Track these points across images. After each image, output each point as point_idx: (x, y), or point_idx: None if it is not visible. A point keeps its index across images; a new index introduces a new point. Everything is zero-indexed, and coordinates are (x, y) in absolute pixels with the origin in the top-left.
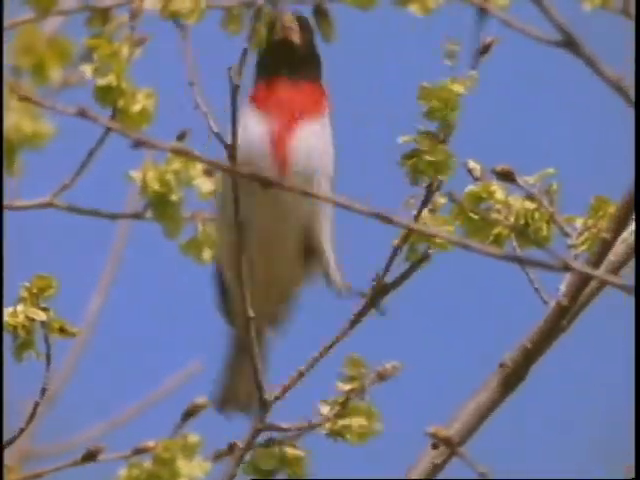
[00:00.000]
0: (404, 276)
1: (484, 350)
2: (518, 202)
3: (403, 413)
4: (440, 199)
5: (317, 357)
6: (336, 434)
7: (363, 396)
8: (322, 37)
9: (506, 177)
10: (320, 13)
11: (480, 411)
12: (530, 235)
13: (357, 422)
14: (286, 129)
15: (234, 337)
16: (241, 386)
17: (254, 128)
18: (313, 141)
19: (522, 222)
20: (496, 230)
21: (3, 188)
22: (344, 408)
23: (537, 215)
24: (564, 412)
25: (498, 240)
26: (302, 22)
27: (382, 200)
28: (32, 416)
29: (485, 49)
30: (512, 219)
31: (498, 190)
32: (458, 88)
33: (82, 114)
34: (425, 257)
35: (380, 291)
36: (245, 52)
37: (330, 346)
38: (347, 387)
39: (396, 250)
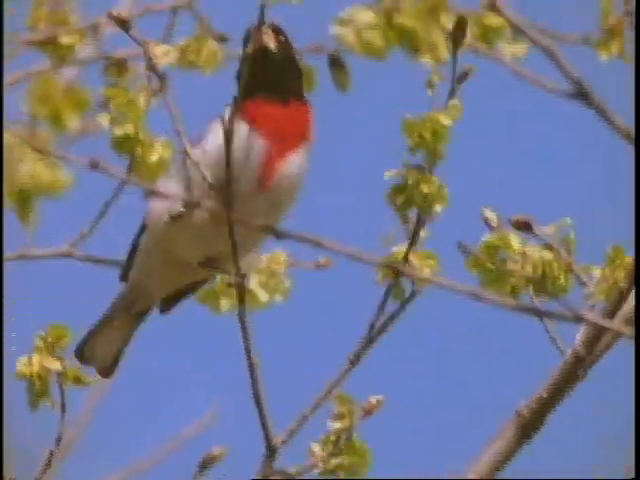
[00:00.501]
0: (393, 317)
1: (500, 398)
2: (535, 252)
3: (421, 460)
4: (423, 233)
5: (320, 399)
6: (330, 473)
7: (351, 433)
8: (338, 87)
9: (523, 227)
10: (336, 64)
11: (496, 460)
12: (547, 285)
13: (349, 460)
14: (278, 153)
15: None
16: (99, 345)
17: (248, 144)
18: (296, 170)
19: (539, 272)
20: (512, 281)
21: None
22: (336, 447)
23: (554, 265)
24: (580, 462)
25: (515, 290)
26: (277, 30)
27: (360, 234)
28: (48, 465)
29: (463, 77)
30: (529, 269)
31: (515, 240)
32: (444, 119)
33: (94, 166)
34: (413, 295)
35: (372, 338)
36: (235, 99)
37: (333, 386)
38: (337, 425)
39: (388, 291)
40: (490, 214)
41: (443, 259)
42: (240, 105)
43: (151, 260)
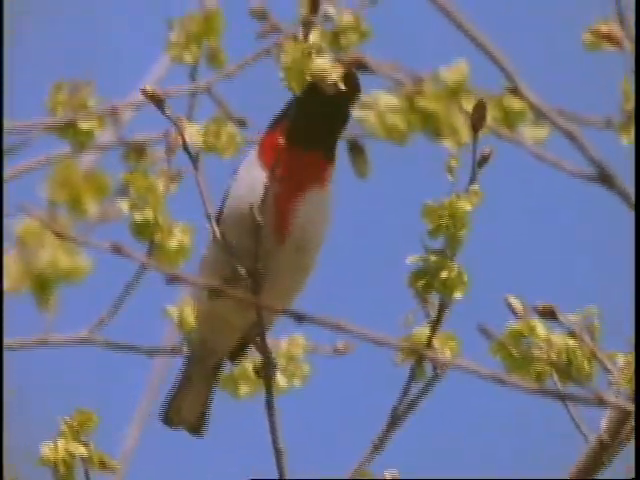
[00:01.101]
0: (416, 400)
1: None
2: (560, 339)
3: None
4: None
5: None
6: None
7: None
8: (357, 173)
9: (548, 314)
10: (355, 149)
11: None
12: (572, 372)
13: None
14: (289, 198)
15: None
16: (185, 404)
17: (260, 188)
18: (311, 213)
19: (564, 359)
20: (537, 367)
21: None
22: None
23: (579, 352)
24: None
25: (539, 377)
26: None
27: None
28: None
29: (484, 160)
30: (554, 356)
31: (539, 327)
32: (464, 205)
33: (117, 250)
34: (435, 378)
35: (395, 420)
36: (267, 189)
37: (359, 470)
38: None
39: (411, 374)
40: (514, 301)
41: (465, 341)
42: (267, 138)
43: (205, 324)
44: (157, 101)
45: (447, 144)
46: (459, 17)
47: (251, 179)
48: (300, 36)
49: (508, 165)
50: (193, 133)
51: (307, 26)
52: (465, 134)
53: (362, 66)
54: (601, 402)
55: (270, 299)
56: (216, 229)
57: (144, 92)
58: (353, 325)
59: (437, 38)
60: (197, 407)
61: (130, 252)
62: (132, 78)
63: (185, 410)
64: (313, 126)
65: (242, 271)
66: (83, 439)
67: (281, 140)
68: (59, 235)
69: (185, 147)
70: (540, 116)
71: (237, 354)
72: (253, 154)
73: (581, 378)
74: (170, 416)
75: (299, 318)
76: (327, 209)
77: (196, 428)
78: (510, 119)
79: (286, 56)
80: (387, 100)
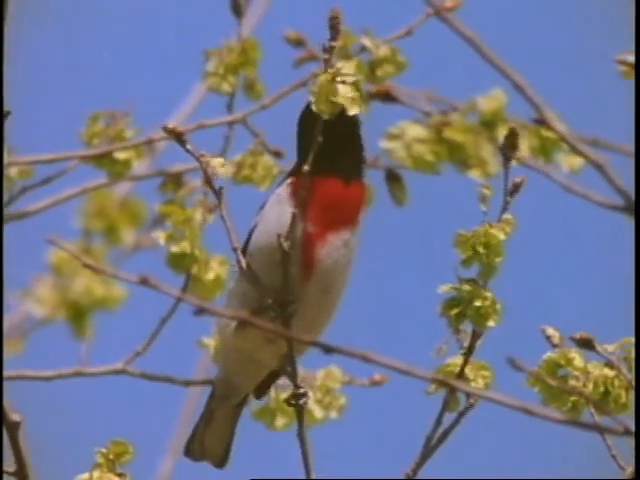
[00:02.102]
0: (449, 430)
1: None
2: (597, 369)
3: None
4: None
5: None
6: None
7: None
8: (395, 202)
9: (585, 345)
10: (393, 178)
11: None
12: (609, 403)
13: None
14: (317, 237)
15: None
16: (208, 440)
17: (289, 224)
18: (339, 250)
19: (601, 390)
20: (573, 399)
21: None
22: None
23: (616, 383)
24: None
25: (576, 408)
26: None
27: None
28: None
29: (516, 189)
30: (591, 386)
31: (577, 357)
32: (497, 233)
33: (144, 282)
34: (468, 408)
35: (429, 451)
36: (294, 216)
37: None
38: None
39: (444, 405)
40: (552, 331)
41: (502, 371)
42: (296, 180)
43: (229, 360)
44: (177, 137)
45: (475, 175)
46: (487, 49)
47: (279, 214)
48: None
49: (542, 194)
50: (217, 166)
51: (329, 52)
52: (493, 165)
53: (390, 97)
54: (627, 432)
55: (297, 333)
56: (243, 261)
57: (165, 129)
58: (382, 356)
59: (463, 70)
60: (220, 442)
61: (158, 284)
62: (169, 108)
63: (208, 444)
64: (342, 154)
65: (270, 302)
66: (119, 470)
67: (318, 174)
68: (88, 267)
69: (208, 182)
70: (567, 146)
71: (262, 390)
72: (283, 191)
73: (618, 409)
74: (193, 450)
75: (328, 350)
76: (354, 253)
77: (220, 461)
78: (546, 148)
79: (316, 81)
80: (414, 131)
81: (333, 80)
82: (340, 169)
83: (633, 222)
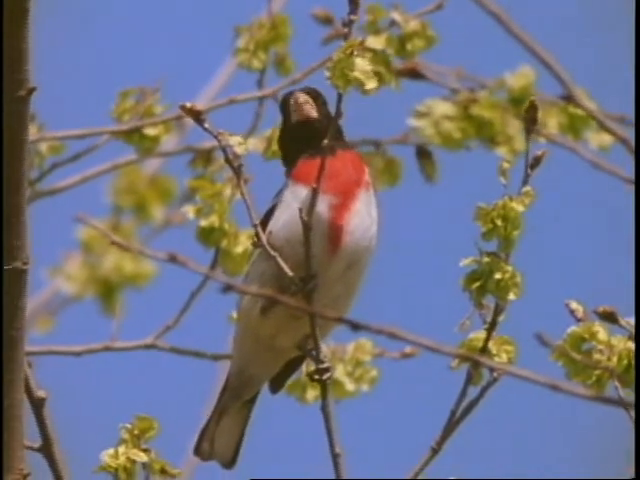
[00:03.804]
0: (472, 404)
1: None
2: (621, 343)
3: None
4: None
5: None
6: None
7: None
8: (426, 178)
9: (608, 318)
10: (424, 155)
11: None
12: (632, 376)
13: None
14: (340, 208)
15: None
16: (218, 438)
17: (311, 207)
18: (364, 220)
19: (625, 362)
20: (597, 373)
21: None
22: None
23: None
24: None
25: (600, 381)
26: (314, 95)
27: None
28: None
29: (537, 162)
30: (615, 360)
31: (601, 331)
32: (517, 206)
33: (172, 259)
34: (492, 382)
35: (453, 425)
36: (315, 192)
37: (417, 475)
38: None
39: (468, 379)
40: (576, 305)
41: (526, 345)
42: (290, 171)
43: (246, 349)
44: (196, 116)
45: (502, 152)
46: (514, 25)
47: (297, 194)
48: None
49: (570, 170)
50: (235, 144)
51: (348, 25)
52: (520, 142)
53: (417, 74)
54: None
55: (322, 310)
56: (264, 237)
57: (182, 108)
58: (407, 332)
59: (492, 45)
60: (230, 442)
61: (186, 261)
62: (199, 84)
63: (218, 444)
64: (316, 144)
65: (291, 277)
66: (144, 446)
67: (305, 160)
68: (116, 244)
69: (227, 160)
70: (594, 122)
71: (279, 384)
72: (289, 184)
73: None
74: (203, 449)
75: (354, 326)
76: (376, 214)
77: (228, 462)
78: (575, 125)
79: (334, 56)
80: (442, 108)
81: (351, 54)
82: (324, 148)
83: None
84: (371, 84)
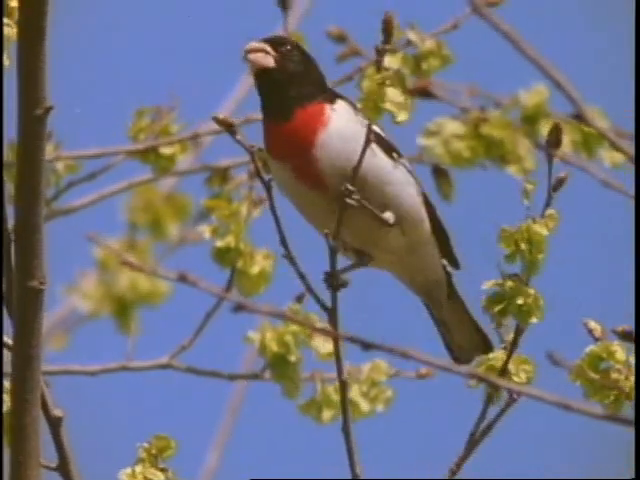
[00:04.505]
0: (491, 425)
1: None
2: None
3: None
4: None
5: None
6: None
7: None
8: (442, 197)
9: (627, 337)
10: (440, 173)
11: None
12: None
13: None
14: (298, 154)
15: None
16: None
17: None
18: (333, 150)
19: None
20: (615, 392)
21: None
22: None
23: None
24: None
25: (617, 401)
26: (277, 42)
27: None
28: None
29: (559, 184)
30: (632, 379)
31: (619, 350)
32: (541, 229)
33: (183, 279)
34: (510, 403)
35: (471, 446)
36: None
37: None
38: None
39: (487, 404)
40: (594, 325)
41: (543, 364)
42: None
43: None
44: (228, 127)
45: (512, 171)
46: (525, 44)
47: (276, 176)
48: (376, 65)
49: (583, 189)
50: (265, 159)
51: (381, 55)
52: (531, 161)
53: (428, 94)
54: None
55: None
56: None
57: (215, 119)
58: (421, 353)
59: (507, 64)
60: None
61: (197, 281)
62: (215, 102)
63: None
64: (277, 99)
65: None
66: (161, 465)
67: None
68: (127, 264)
69: (258, 173)
70: (604, 140)
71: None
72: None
73: None
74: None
75: (366, 346)
76: (343, 131)
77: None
78: (589, 143)
79: (364, 86)
80: (452, 127)
81: (383, 84)
82: (281, 110)
83: None
84: (402, 115)
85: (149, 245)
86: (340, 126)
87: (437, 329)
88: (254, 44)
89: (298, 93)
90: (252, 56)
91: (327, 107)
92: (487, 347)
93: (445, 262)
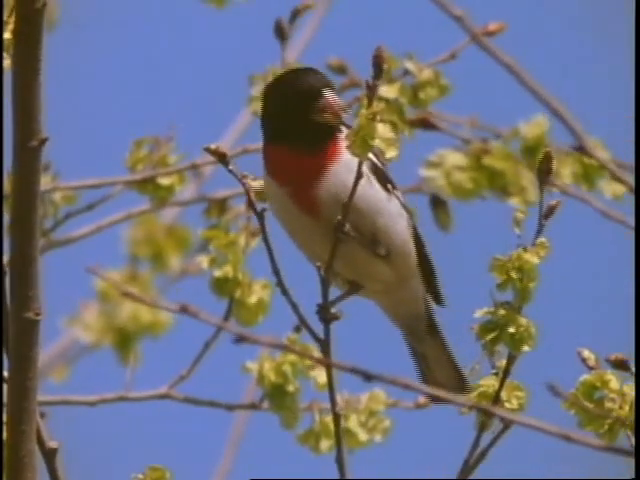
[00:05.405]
0: (485, 452)
1: None
2: (633, 391)
3: None
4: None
5: None
6: None
7: None
8: (439, 227)
9: (620, 366)
10: (438, 203)
11: None
12: None
13: None
14: (303, 185)
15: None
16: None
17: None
18: (338, 180)
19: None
20: (609, 422)
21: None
22: None
23: None
24: None
25: (612, 431)
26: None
27: None
28: None
29: (550, 211)
30: (627, 408)
31: (613, 379)
32: (531, 258)
33: (184, 310)
34: (504, 429)
35: (465, 473)
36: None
37: None
38: None
39: (480, 426)
40: (587, 354)
41: (535, 392)
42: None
43: None
44: (221, 158)
45: (514, 202)
46: (526, 75)
47: (272, 199)
48: (367, 99)
49: (584, 220)
50: (259, 188)
51: (371, 90)
52: (533, 193)
53: (429, 125)
54: None
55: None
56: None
57: (208, 149)
58: (420, 384)
59: (506, 94)
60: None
61: (197, 312)
62: (214, 133)
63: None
64: (283, 123)
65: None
66: None
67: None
68: (127, 295)
69: (250, 204)
70: (605, 171)
71: None
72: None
73: None
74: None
75: (367, 377)
76: (348, 173)
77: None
78: (589, 175)
79: (354, 122)
80: (454, 158)
81: (373, 119)
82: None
83: None
84: (392, 152)
85: (150, 277)
86: (350, 157)
87: (415, 363)
88: (340, 101)
89: (330, 128)
90: (338, 111)
91: (341, 138)
92: (463, 386)
93: (429, 297)
